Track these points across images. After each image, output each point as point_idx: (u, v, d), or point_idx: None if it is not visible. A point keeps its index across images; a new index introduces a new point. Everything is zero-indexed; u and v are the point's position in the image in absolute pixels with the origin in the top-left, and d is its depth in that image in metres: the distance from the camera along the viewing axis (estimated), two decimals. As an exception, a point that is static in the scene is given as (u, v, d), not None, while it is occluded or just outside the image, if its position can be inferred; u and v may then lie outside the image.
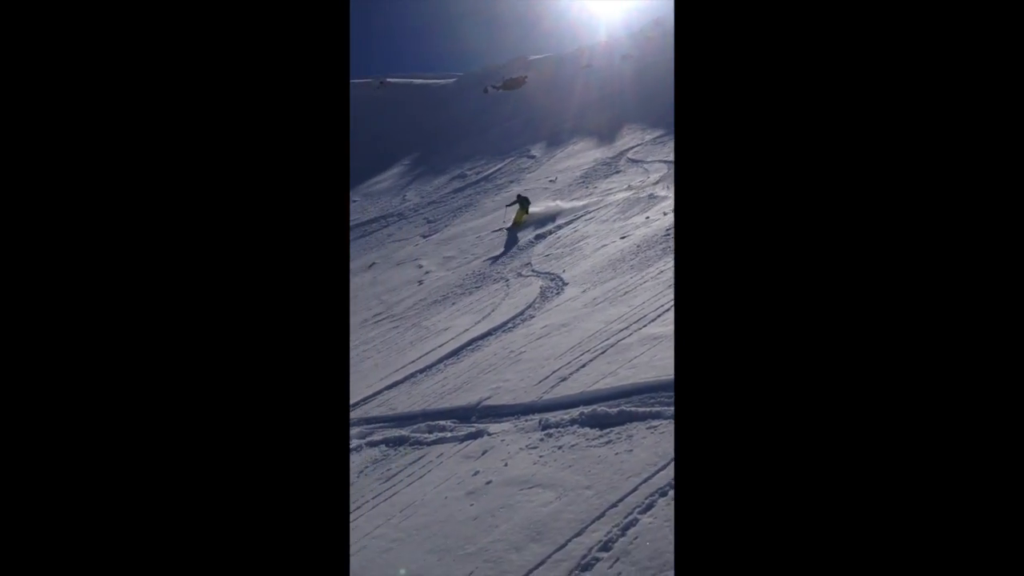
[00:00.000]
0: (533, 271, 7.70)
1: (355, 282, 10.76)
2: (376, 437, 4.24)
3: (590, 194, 11.24)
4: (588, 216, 9.47)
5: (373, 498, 3.30)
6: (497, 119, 22.21)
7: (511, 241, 10.02)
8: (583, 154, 15.52)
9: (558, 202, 11.20)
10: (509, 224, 11.05)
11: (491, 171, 16.95)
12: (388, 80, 36.77)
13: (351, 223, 15.36)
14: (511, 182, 15.23)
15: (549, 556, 2.19)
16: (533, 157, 17.31)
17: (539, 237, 9.38)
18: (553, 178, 14.06)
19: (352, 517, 3.17)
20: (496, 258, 9.24)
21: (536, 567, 2.16)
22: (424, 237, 12.73)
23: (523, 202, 11.10)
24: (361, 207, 17.04)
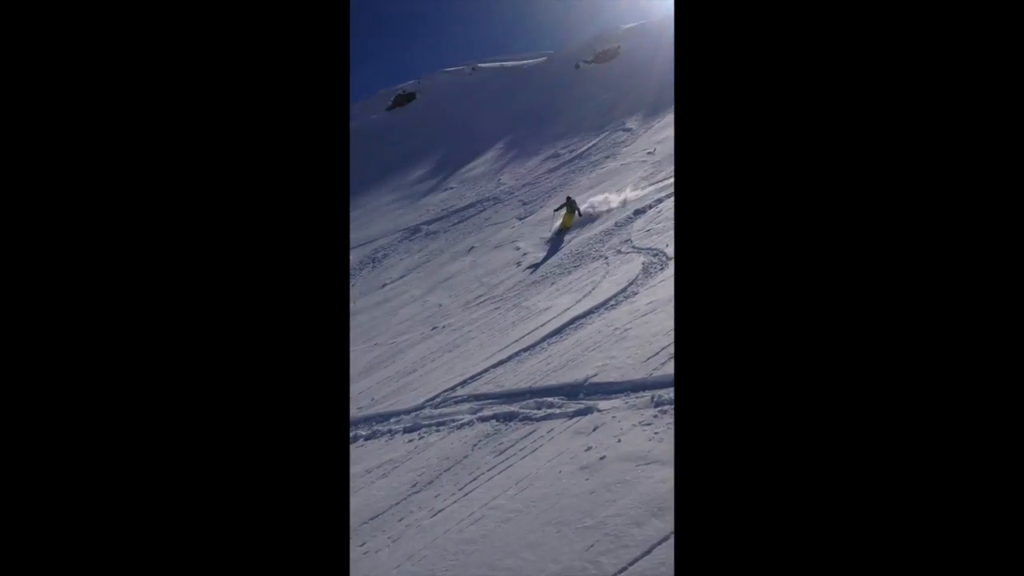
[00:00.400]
0: (633, 247, 7.45)
1: (455, 266, 11.15)
2: (486, 412, 4.39)
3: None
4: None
5: (488, 470, 3.42)
6: (590, 94, 21.65)
7: (555, 246, 9.71)
8: (683, 122, 14.65)
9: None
10: (556, 229, 10.56)
11: (585, 148, 16.60)
12: (479, 65, 37.26)
13: (449, 210, 15.89)
14: (606, 157, 14.82)
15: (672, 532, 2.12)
16: (629, 130, 16.67)
17: (638, 212, 9.05)
18: (651, 150, 13.43)
19: (468, 488, 3.32)
20: (536, 267, 8.89)
21: (660, 543, 2.10)
22: (520, 219, 12.82)
23: (571, 205, 10.74)
24: (458, 193, 17.55)
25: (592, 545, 2.24)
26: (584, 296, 6.35)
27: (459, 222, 14.66)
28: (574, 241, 9.38)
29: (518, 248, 10.60)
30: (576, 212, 10.61)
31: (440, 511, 3.17)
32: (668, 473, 2.51)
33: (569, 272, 7.87)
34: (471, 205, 15.67)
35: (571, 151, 16.98)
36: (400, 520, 3.30)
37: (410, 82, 38.19)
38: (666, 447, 2.73)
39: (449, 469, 3.70)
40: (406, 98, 35.13)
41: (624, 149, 14.98)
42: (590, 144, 16.76)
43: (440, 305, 9.06)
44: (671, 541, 2.10)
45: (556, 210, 11.25)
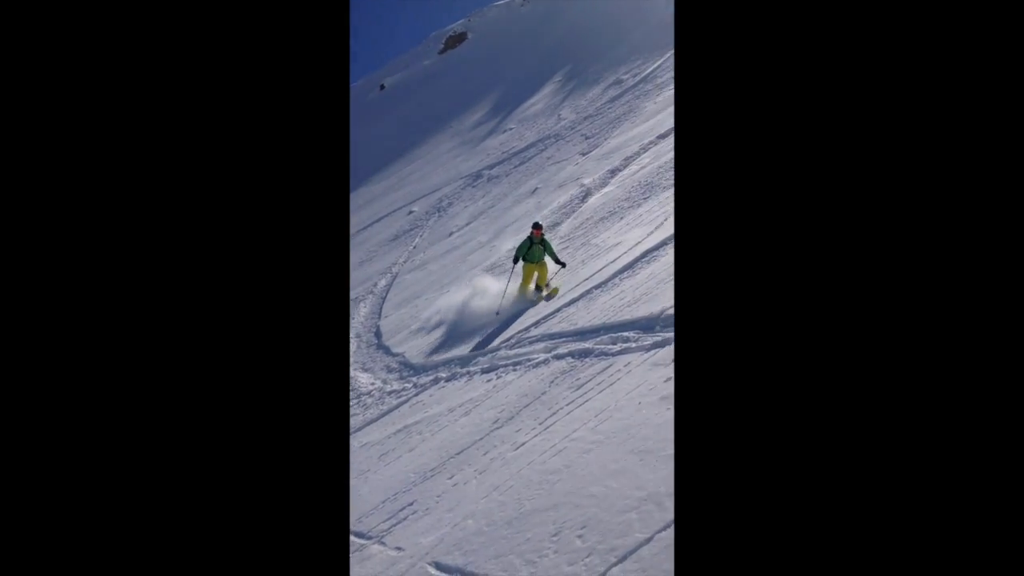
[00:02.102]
0: (709, 172, 6.94)
1: (519, 209, 11.02)
2: (562, 350, 4.39)
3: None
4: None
5: (567, 405, 3.45)
6: (654, 10, 19.88)
7: (495, 330, 5.52)
8: (760, 27, 13.13)
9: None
10: (512, 295, 6.03)
11: (650, 70, 15.44)
12: (529, -5, 35.17)
13: (509, 152, 15.58)
14: (673, 77, 13.72)
15: (765, 462, 2.03)
16: (697, 44, 15.24)
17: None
18: (723, 64, 12.23)
19: (548, 422, 3.37)
20: (488, 342, 5.40)
21: (751, 472, 2.03)
22: (583, 155, 12.34)
23: (533, 248, 5.86)
24: (517, 134, 17.10)
25: (678, 474, 2.21)
26: (656, 228, 6.06)
27: (520, 164, 14.36)
28: (641, 172, 8.90)
29: (583, 185, 10.25)
30: (542, 257, 5.93)
31: (522, 444, 3.26)
32: (757, 402, 2.39)
33: (639, 205, 7.53)
34: (531, 145, 15.25)
35: (635, 75, 15.88)
36: (485, 454, 3.44)
37: (459, 22, 36.91)
38: (754, 376, 2.60)
39: (528, 405, 3.77)
40: (457, 39, 34.08)
41: (693, 66, 13.77)
42: (655, 65, 15.55)
43: (507, 250, 9.05)
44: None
45: (515, 261, 6.15)
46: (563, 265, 6.15)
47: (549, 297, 5.78)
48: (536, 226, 6.22)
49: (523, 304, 6.08)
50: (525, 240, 6.19)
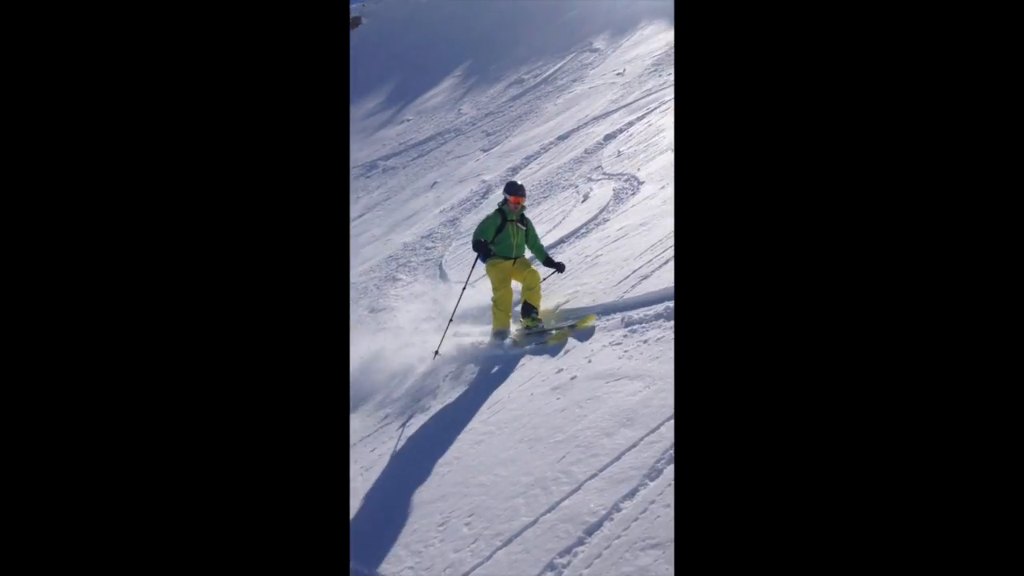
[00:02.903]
0: (604, 174, 7.29)
1: (418, 202, 10.80)
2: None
3: (664, 84, 10.25)
4: (664, 107, 8.68)
5: (459, 398, 3.42)
6: (555, 13, 20.47)
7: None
8: (655, 38, 13.98)
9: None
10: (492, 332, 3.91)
11: (550, 72, 15.89)
12: (433, -14, 34.56)
13: (407, 144, 15.21)
14: (573, 81, 14.25)
15: (642, 439, 2.15)
16: (596, 50, 15.95)
17: (608, 137, 8.80)
18: (621, 70, 12.89)
19: (440, 416, 3.32)
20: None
21: (629, 449, 2.13)
22: (484, 151, 12.38)
23: (508, 228, 3.77)
24: (416, 126, 16.73)
25: (563, 456, 2.27)
26: (554, 227, 6.24)
27: (419, 156, 14.08)
28: (541, 172, 9.13)
29: (484, 181, 10.28)
30: (541, 262, 3.96)
31: (411, 439, 3.18)
32: (637, 386, 2.52)
33: (538, 204, 7.70)
34: (431, 138, 15.01)
35: (535, 76, 16.25)
36: (372, 451, 3.30)
37: (354, 6, 35.28)
38: (635, 363, 2.74)
39: (419, 400, 3.68)
40: (351, 23, 32.55)
41: (592, 71, 14.38)
42: (555, 67, 16.04)
43: (404, 244, 8.82)
44: (640, 447, 2.13)
45: (478, 247, 3.79)
46: (560, 269, 3.87)
47: (583, 334, 3.21)
48: (515, 190, 3.55)
49: (419, 299, 5.94)
50: (493, 214, 3.56)
